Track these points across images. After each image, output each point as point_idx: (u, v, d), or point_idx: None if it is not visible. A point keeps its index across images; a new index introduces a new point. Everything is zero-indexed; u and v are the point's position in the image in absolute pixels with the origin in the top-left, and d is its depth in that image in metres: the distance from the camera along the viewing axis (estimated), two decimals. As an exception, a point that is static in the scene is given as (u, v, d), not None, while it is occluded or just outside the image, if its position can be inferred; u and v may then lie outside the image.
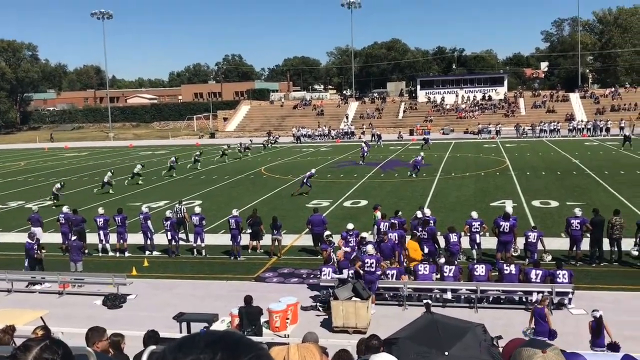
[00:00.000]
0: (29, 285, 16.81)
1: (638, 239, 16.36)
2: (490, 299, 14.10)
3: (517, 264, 14.44)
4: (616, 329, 10.94)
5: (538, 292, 13.13)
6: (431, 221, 17.74)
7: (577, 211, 17.19)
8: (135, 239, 20.35)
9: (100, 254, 19.88)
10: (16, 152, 66.37)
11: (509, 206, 20.12)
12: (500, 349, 4.32)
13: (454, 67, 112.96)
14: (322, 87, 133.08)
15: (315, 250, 18.63)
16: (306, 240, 20.09)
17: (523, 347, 2.19)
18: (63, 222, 20.43)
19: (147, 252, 19.65)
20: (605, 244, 16.79)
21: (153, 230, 19.90)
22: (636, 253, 16.35)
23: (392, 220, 17.80)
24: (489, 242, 17.81)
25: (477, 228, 17.25)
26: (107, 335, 7.04)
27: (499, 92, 78.33)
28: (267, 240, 19.25)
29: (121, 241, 19.80)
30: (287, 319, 13.05)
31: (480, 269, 14.25)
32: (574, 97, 74.08)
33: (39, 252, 17.18)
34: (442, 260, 15.07)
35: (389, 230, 17.04)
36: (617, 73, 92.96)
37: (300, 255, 18.92)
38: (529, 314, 12.35)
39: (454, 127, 68.17)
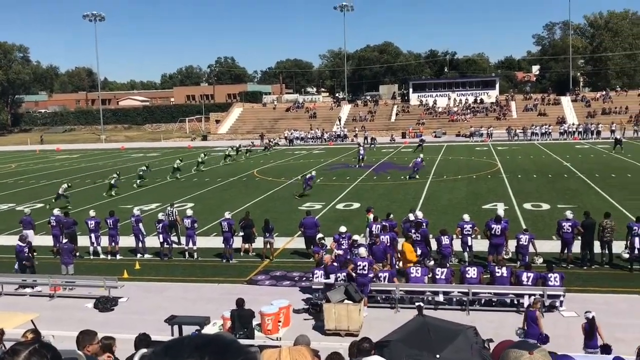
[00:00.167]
0: (19, 288, 16.70)
1: (629, 242, 16.45)
2: (482, 302, 14.12)
3: (508, 267, 14.51)
4: (607, 331, 10.98)
5: (530, 296, 13.17)
6: (424, 223, 17.76)
7: (569, 214, 17.26)
8: (126, 241, 20.27)
9: (91, 257, 19.78)
10: (7, 155, 65.89)
11: (500, 209, 20.18)
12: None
13: (446, 70, 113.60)
14: (314, 89, 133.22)
15: (307, 253, 18.61)
16: (298, 243, 20.05)
17: (511, 349, 2.21)
18: (54, 224, 20.30)
19: (139, 255, 19.58)
20: (596, 247, 16.85)
21: (145, 233, 19.82)
22: (627, 256, 16.40)
23: (384, 223, 17.82)
24: (481, 245, 17.83)
25: (469, 231, 17.27)
26: (98, 338, 7.00)
27: (491, 95, 78.65)
28: (259, 243, 19.19)
29: (113, 244, 19.70)
30: (279, 321, 13.02)
31: (472, 272, 14.30)
32: (565, 100, 74.51)
33: (31, 255, 17.10)
34: (432, 262, 15.07)
35: (381, 232, 17.05)
36: (608, 76, 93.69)
37: (292, 258, 18.89)
38: (520, 316, 12.39)
39: (446, 130, 68.36)
